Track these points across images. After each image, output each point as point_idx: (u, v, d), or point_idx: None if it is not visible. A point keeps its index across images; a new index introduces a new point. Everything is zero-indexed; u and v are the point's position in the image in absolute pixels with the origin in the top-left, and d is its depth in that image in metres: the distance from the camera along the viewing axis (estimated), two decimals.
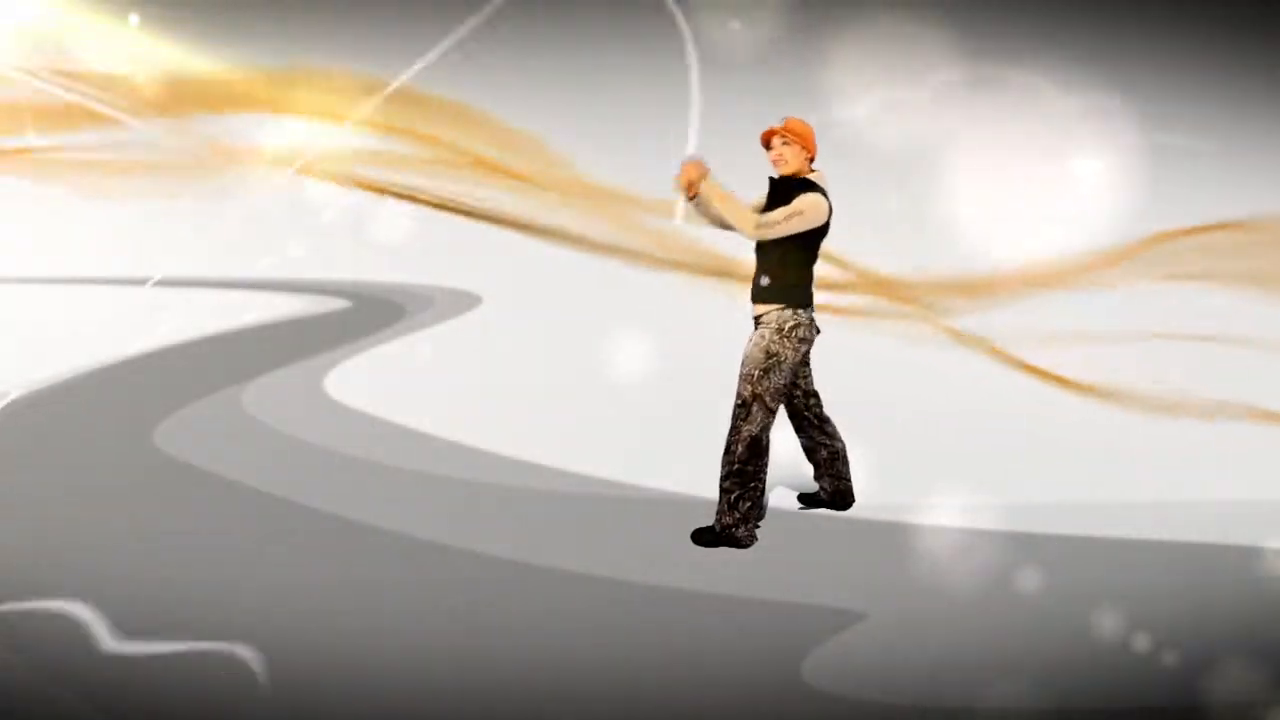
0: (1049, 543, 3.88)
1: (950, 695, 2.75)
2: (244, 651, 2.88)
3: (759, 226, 3.73)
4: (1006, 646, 3.04)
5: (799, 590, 3.39)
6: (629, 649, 2.98)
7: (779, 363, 3.75)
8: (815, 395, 4.08)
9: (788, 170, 3.83)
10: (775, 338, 3.76)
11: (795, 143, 3.80)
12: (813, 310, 3.86)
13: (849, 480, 4.13)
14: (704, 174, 3.70)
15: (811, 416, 4.07)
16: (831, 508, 4.15)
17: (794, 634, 3.08)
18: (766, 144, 3.87)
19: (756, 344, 3.80)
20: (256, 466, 4.57)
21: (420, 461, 4.76)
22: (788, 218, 3.71)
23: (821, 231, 3.81)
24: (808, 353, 3.93)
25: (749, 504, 3.73)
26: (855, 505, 4.15)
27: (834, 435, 4.10)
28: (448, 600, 3.29)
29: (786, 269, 3.81)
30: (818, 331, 3.89)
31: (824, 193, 3.78)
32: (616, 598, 3.34)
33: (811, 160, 3.86)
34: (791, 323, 3.78)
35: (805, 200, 3.72)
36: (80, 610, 3.15)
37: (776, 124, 3.84)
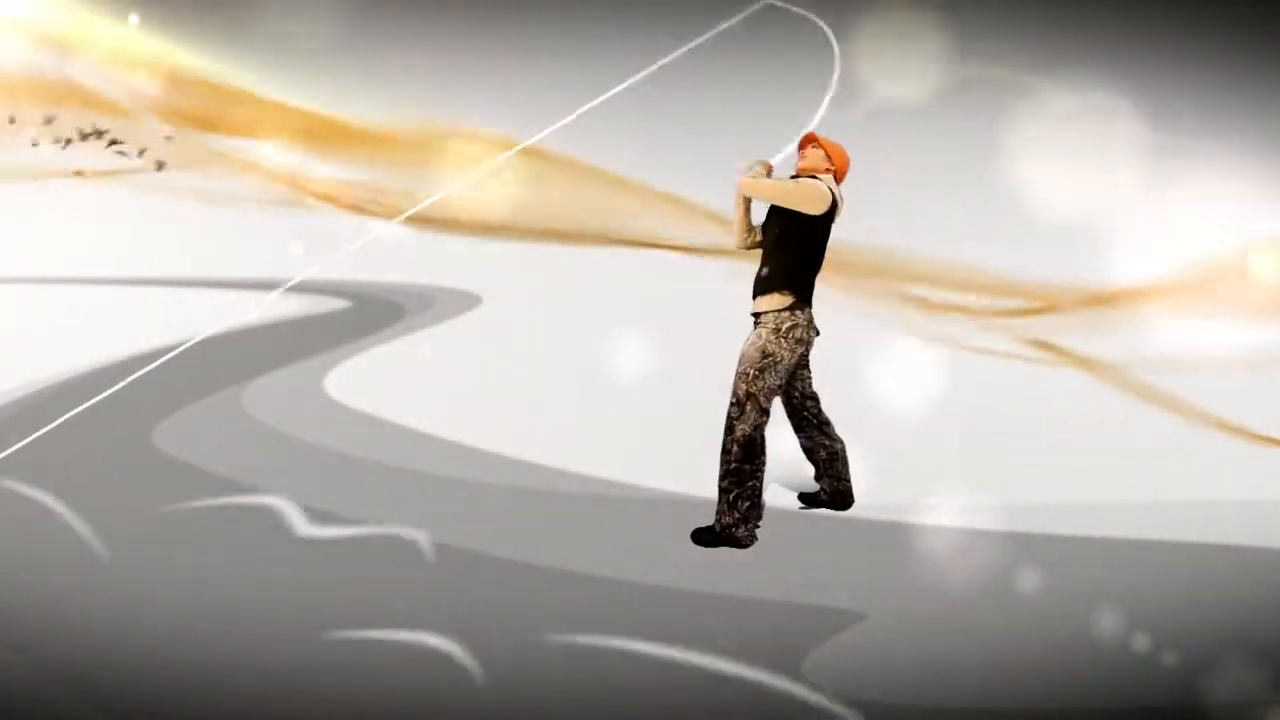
0: (1049, 543, 3.88)
1: (950, 695, 2.75)
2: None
3: (751, 176, 3.89)
4: (1006, 646, 3.05)
5: (799, 590, 3.39)
6: (628, 649, 2.98)
7: (775, 363, 3.77)
8: (815, 398, 4.09)
9: (802, 166, 4.00)
10: (772, 338, 3.79)
11: (822, 149, 3.98)
12: (811, 311, 3.88)
13: (849, 481, 4.14)
14: (767, 168, 3.95)
15: (811, 417, 4.08)
16: (831, 508, 4.15)
17: (794, 634, 3.08)
18: (802, 146, 4.05)
19: (753, 343, 3.81)
20: (256, 466, 4.57)
21: (420, 461, 4.76)
22: (777, 180, 3.88)
23: (819, 226, 3.84)
24: (805, 354, 3.95)
25: (748, 503, 3.73)
26: (855, 505, 4.15)
27: (833, 436, 4.11)
28: (447, 600, 3.29)
29: (782, 257, 3.85)
30: (816, 333, 3.90)
31: (834, 193, 3.86)
32: (616, 598, 3.34)
33: (836, 177, 3.99)
34: (789, 323, 3.80)
35: (803, 179, 3.87)
36: (80, 610, 3.16)
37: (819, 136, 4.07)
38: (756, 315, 3.89)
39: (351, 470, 4.64)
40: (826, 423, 4.10)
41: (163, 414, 5.39)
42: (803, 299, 3.85)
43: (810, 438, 4.11)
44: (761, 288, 3.88)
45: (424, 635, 3.01)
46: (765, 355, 3.78)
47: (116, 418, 5.34)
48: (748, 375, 3.77)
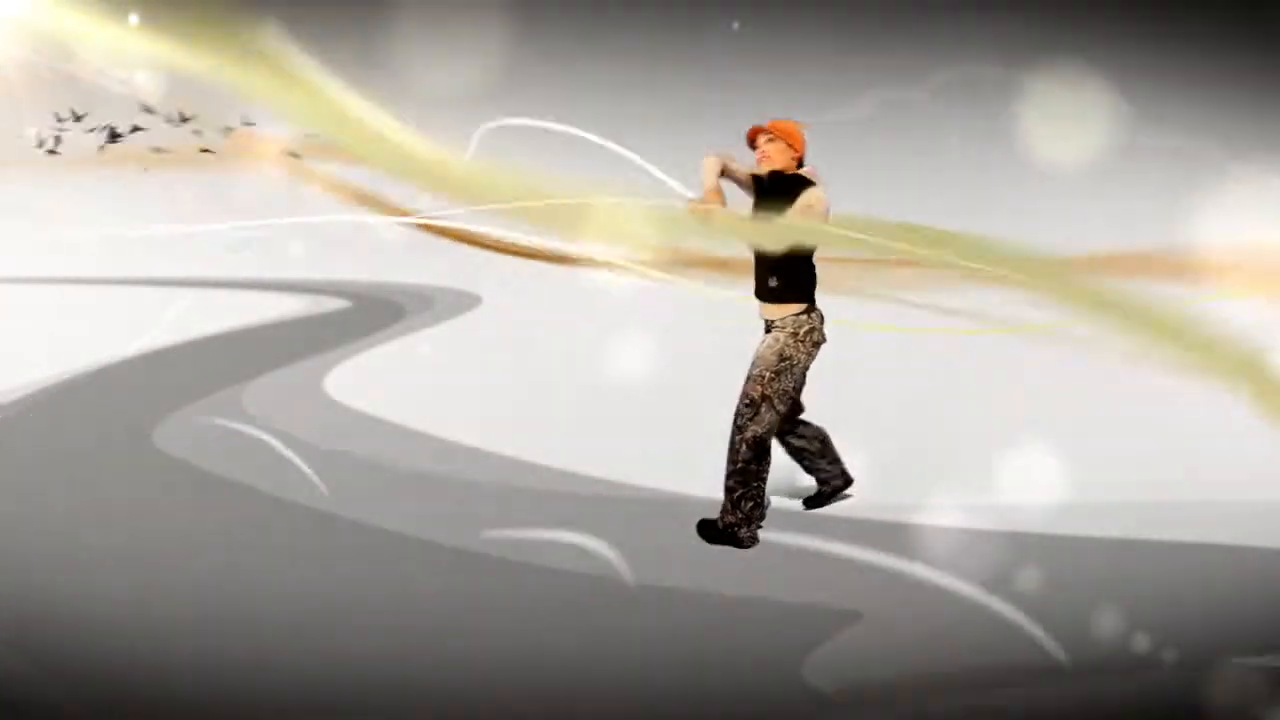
0: (1049, 543, 3.88)
1: (951, 696, 2.75)
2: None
3: (787, 239, 3.67)
4: (1007, 647, 3.04)
5: (799, 590, 3.39)
6: (629, 649, 2.98)
7: (791, 366, 3.75)
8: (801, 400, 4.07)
9: (772, 166, 3.79)
10: (791, 341, 3.75)
11: (781, 139, 3.76)
12: (818, 313, 3.82)
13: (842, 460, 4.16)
14: (718, 199, 3.69)
15: (799, 418, 4.05)
16: (842, 492, 4.15)
17: (794, 634, 3.08)
18: (752, 142, 3.83)
19: (770, 346, 3.78)
20: (256, 466, 4.57)
21: (420, 461, 4.76)
22: (804, 222, 3.68)
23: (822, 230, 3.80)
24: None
25: (751, 504, 3.73)
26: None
27: (814, 424, 4.10)
28: (446, 600, 3.30)
29: (796, 266, 3.78)
30: (822, 341, 3.84)
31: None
32: (616, 598, 3.34)
33: (800, 161, 3.82)
34: (807, 327, 3.76)
35: (811, 196, 3.71)
36: (79, 611, 3.16)
37: (761, 124, 3.79)
38: (770, 321, 3.83)
39: (350, 470, 4.64)
40: (805, 419, 4.10)
41: (163, 414, 5.39)
42: (813, 302, 3.82)
43: (802, 435, 4.09)
44: (773, 298, 3.81)
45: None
46: (783, 358, 3.74)
47: (115, 418, 5.35)
48: (764, 378, 3.74)
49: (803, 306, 3.77)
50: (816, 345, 3.80)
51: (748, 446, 3.72)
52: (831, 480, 4.17)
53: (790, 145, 3.78)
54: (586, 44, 7.06)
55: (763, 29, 6.93)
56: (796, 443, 4.12)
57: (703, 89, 6.83)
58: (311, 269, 7.05)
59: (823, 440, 4.11)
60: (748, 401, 3.74)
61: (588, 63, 6.97)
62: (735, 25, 6.95)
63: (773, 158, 3.78)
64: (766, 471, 3.76)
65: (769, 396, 3.72)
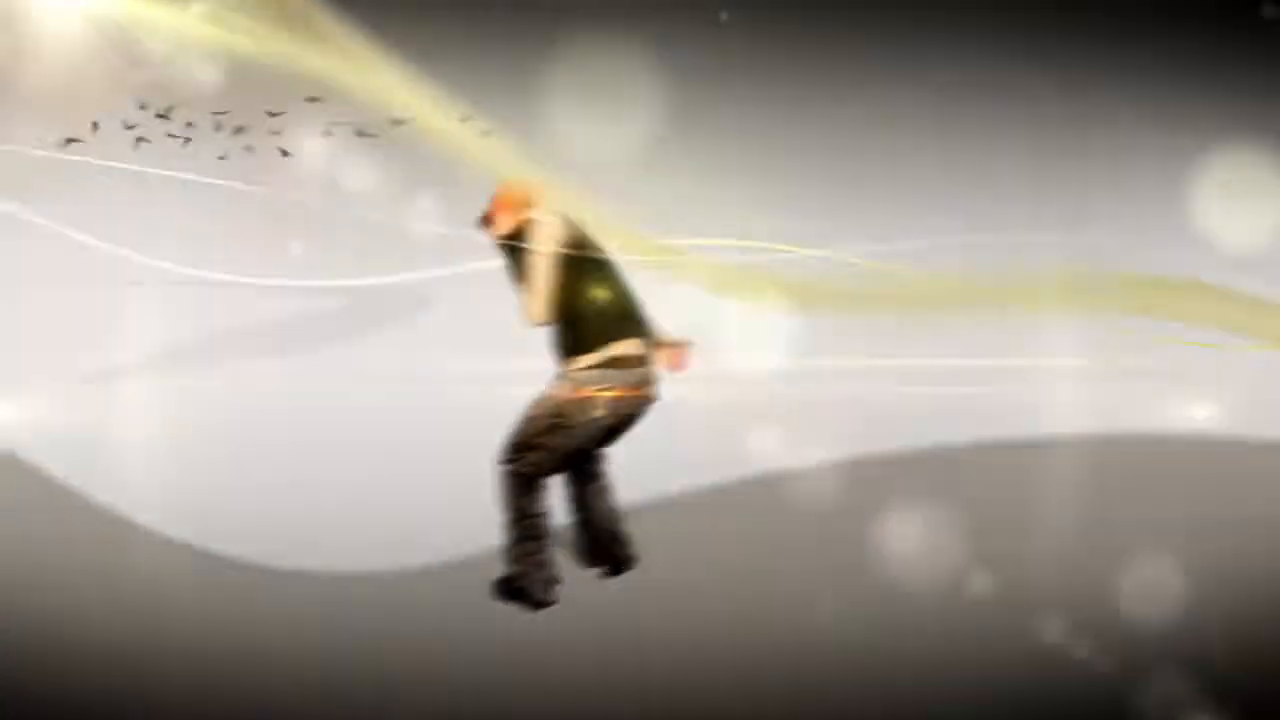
0: (1030, 545, 3.85)
1: (946, 697, 2.76)
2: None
3: (529, 314, 3.24)
4: (999, 646, 3.05)
5: (794, 590, 3.40)
6: (626, 650, 3.00)
7: (567, 426, 3.21)
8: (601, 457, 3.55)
9: (506, 231, 3.33)
10: (564, 402, 3.22)
11: (506, 210, 3.32)
12: (637, 371, 3.27)
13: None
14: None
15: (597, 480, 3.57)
16: (624, 569, 3.58)
17: (792, 634, 3.09)
18: (491, 226, 3.39)
19: (552, 394, 3.26)
20: (255, 467, 4.58)
21: (420, 460, 4.77)
22: (534, 277, 3.23)
23: (569, 260, 3.27)
24: (613, 427, 3.30)
25: (532, 551, 3.27)
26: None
27: (608, 498, 3.60)
28: (443, 600, 3.32)
29: (565, 312, 3.24)
30: (643, 402, 3.30)
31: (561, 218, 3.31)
32: (614, 598, 3.36)
33: (533, 208, 3.33)
34: (587, 391, 3.21)
35: (536, 241, 3.25)
36: (68, 614, 3.19)
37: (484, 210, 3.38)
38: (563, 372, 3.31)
39: (350, 469, 4.65)
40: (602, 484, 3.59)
41: (163, 414, 5.40)
42: (606, 355, 3.24)
43: (591, 504, 3.56)
44: (555, 347, 3.32)
45: None
46: (559, 415, 3.21)
47: (115, 418, 5.37)
48: (537, 425, 3.22)
49: (586, 361, 3.23)
50: (593, 421, 3.21)
51: (517, 488, 3.23)
52: (604, 553, 3.58)
53: (513, 207, 3.32)
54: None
55: (750, 23, 6.86)
56: (585, 511, 3.56)
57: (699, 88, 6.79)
58: (311, 269, 7.05)
59: (612, 513, 3.57)
60: (514, 443, 3.25)
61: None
62: (724, 15, 6.84)
63: (505, 226, 3.34)
64: (543, 512, 3.28)
65: (539, 445, 3.22)
